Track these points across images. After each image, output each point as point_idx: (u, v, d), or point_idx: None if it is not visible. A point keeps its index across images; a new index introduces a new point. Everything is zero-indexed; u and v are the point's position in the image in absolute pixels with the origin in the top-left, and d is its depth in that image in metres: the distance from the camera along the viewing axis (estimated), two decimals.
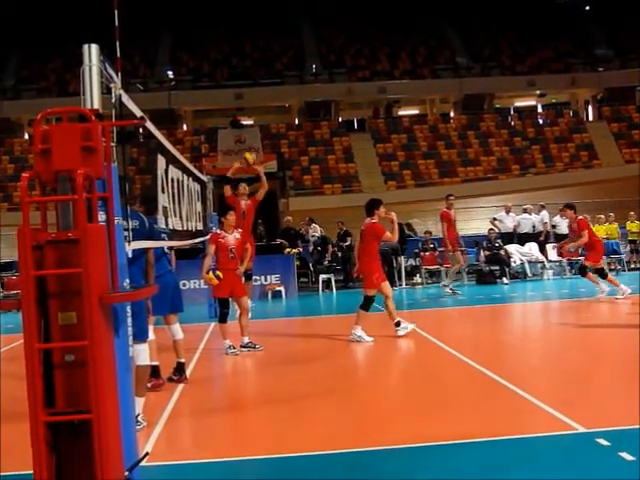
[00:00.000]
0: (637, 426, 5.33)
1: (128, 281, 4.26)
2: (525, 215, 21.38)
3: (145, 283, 6.23)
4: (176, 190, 7.95)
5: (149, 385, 7.60)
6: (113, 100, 4.67)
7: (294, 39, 41.53)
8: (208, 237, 10.68)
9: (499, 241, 19.86)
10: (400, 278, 19.79)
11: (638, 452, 4.77)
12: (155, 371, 7.70)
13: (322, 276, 19.54)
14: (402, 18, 40.75)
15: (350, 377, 8.45)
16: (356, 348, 10.54)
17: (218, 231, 10.48)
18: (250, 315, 11.33)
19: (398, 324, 10.78)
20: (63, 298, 3.46)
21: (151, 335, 7.70)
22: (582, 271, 14.78)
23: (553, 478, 4.67)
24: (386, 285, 10.92)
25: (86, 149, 3.54)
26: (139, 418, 5.96)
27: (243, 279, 10.98)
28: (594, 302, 14.36)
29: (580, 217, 14.90)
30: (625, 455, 4.79)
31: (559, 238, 21.27)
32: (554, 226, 21.78)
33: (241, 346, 10.22)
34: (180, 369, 8.21)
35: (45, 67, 39.31)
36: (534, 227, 21.18)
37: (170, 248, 8.17)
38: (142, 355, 6.08)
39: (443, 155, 34.88)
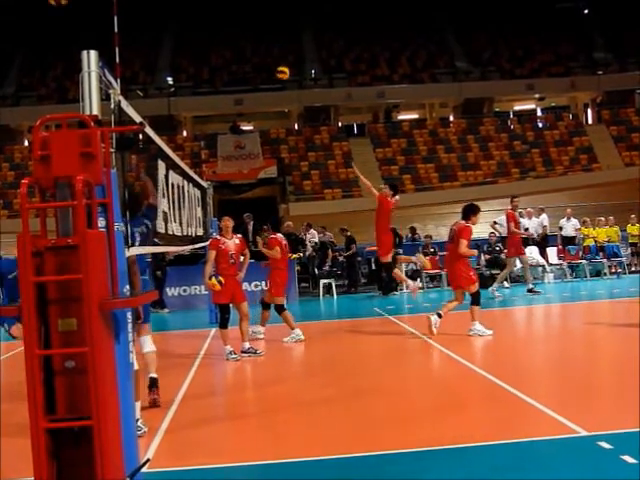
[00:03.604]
0: (639, 429, 5.32)
1: (128, 287, 4.26)
2: (502, 218, 20.90)
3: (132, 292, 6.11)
4: (176, 196, 7.96)
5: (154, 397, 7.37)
6: (112, 106, 4.67)
7: (294, 44, 41.59)
8: (208, 243, 10.68)
9: (500, 245, 19.81)
10: (401, 282, 19.75)
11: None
12: (154, 384, 7.37)
13: (323, 281, 19.53)
14: (401, 23, 40.82)
15: (352, 382, 8.43)
16: (357, 353, 10.53)
17: (218, 237, 10.48)
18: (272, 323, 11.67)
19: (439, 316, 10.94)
20: (63, 304, 3.45)
21: (152, 346, 7.39)
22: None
23: None
24: (461, 292, 11.13)
25: (85, 155, 3.53)
26: (139, 423, 5.93)
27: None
28: (595, 304, 14.34)
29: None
30: (627, 458, 4.79)
31: (565, 241, 21.24)
32: (561, 228, 21.75)
33: (242, 351, 10.21)
34: (152, 384, 7.38)
35: (45, 75, 39.36)
36: (527, 230, 20.90)
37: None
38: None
39: (443, 159, 34.91)
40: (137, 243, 5.73)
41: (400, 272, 13.26)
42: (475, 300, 10.91)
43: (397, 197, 12.42)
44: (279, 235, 11.87)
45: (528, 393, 6.79)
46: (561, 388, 7.42)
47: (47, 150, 3.52)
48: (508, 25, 40.34)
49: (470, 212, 11.06)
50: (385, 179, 33.27)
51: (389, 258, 12.25)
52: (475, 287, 10.98)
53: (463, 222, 10.98)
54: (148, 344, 7.30)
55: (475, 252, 12.23)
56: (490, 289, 16.33)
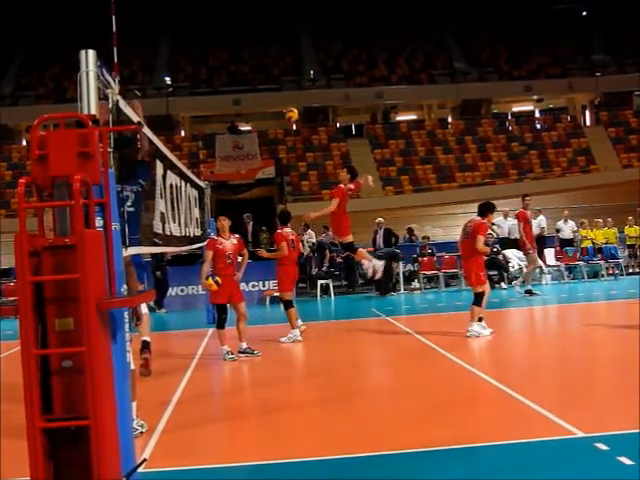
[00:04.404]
0: (636, 430, 5.32)
1: (125, 287, 4.25)
2: (500, 219, 20.83)
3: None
4: (174, 196, 7.95)
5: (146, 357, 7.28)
6: (110, 106, 4.66)
7: (292, 45, 41.58)
8: (205, 243, 10.67)
9: (497, 246, 19.82)
10: (398, 283, 19.78)
11: (637, 456, 4.76)
12: (146, 346, 7.41)
13: (320, 281, 19.52)
14: (399, 24, 40.82)
15: (350, 382, 8.43)
16: (355, 353, 10.53)
17: (215, 237, 10.47)
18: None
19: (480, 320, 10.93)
20: (60, 304, 3.45)
21: (145, 309, 7.44)
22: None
23: None
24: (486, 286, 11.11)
25: (83, 155, 3.53)
26: (134, 424, 5.90)
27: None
28: (592, 306, 14.35)
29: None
30: (624, 459, 4.78)
31: (563, 242, 21.28)
32: (558, 230, 21.79)
33: (239, 352, 10.21)
34: (144, 346, 7.44)
35: (43, 74, 39.32)
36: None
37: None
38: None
39: (441, 160, 34.86)
40: (131, 202, 5.63)
41: (363, 251, 12.88)
42: (477, 301, 10.92)
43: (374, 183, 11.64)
44: (285, 230, 11.75)
45: (525, 394, 6.79)
46: (558, 389, 7.42)
47: (45, 150, 3.52)
48: (506, 26, 40.32)
49: (487, 210, 11.16)
50: (383, 180, 33.32)
51: (350, 238, 11.96)
52: (481, 288, 10.98)
53: (479, 219, 11.03)
54: (141, 306, 7.27)
55: (488, 250, 12.57)
56: (514, 283, 17.10)
